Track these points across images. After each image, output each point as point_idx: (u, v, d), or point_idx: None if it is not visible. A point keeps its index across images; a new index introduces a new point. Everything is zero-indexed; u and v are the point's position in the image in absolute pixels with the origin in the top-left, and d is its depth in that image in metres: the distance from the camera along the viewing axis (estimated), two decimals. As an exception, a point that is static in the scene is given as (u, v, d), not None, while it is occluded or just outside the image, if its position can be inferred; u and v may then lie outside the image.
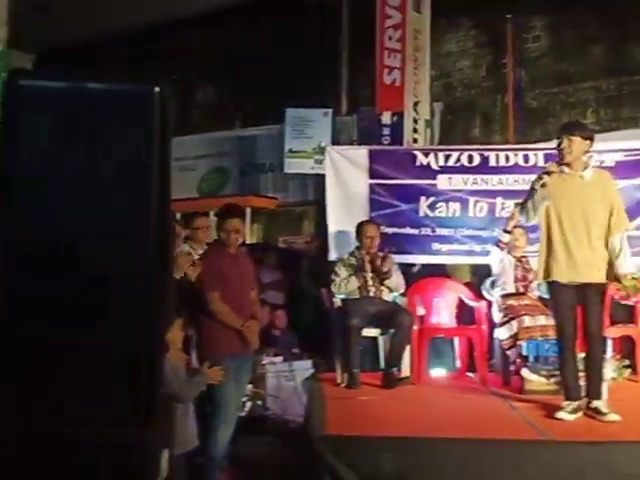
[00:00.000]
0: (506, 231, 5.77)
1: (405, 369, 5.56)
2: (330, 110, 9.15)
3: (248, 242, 8.30)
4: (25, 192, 2.54)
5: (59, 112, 2.61)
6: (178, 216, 8.87)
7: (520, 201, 4.82)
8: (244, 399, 5.55)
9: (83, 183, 2.57)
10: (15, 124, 2.58)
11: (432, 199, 6.42)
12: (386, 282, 5.67)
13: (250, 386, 5.91)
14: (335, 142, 8.57)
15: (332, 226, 6.46)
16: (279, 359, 6.58)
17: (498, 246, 5.81)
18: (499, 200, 6.37)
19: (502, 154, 6.45)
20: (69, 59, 10.68)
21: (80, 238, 2.51)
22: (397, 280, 5.78)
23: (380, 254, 5.74)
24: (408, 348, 5.57)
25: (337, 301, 5.78)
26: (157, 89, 2.66)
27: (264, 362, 6.35)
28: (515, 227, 5.72)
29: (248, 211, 9.27)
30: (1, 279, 2.30)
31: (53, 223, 2.52)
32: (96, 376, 2.46)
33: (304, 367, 6.46)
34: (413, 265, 6.70)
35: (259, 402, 6.19)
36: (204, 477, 4.50)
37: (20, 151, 2.56)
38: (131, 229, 2.56)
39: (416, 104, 7.85)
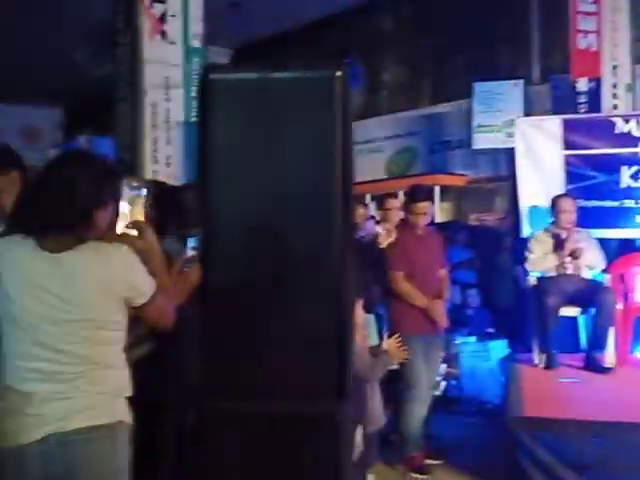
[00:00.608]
0: None
1: (609, 352, 5.25)
2: (521, 80, 8.80)
3: (438, 221, 8.23)
4: (220, 180, 2.69)
5: (248, 102, 2.73)
6: (368, 198, 9.00)
7: None
8: (438, 379, 5.53)
9: (271, 170, 2.68)
10: (209, 117, 2.73)
11: (635, 168, 6.00)
12: (582, 259, 5.38)
13: (444, 366, 5.88)
14: (528, 113, 8.25)
15: (524, 201, 6.24)
16: (473, 339, 6.49)
17: None
18: None
19: None
20: (265, 51, 11.10)
21: (270, 224, 2.63)
22: (595, 257, 5.47)
23: (576, 230, 5.46)
24: (612, 329, 5.26)
25: (532, 279, 5.58)
26: (338, 74, 2.71)
27: (458, 341, 6.29)
28: None
29: (437, 189, 9.18)
30: (202, 266, 2.47)
31: (245, 210, 2.66)
32: (292, 356, 2.57)
33: (500, 347, 6.32)
34: (618, 240, 6.29)
35: (454, 382, 6.15)
36: (397, 455, 4.56)
37: (214, 142, 2.71)
38: (317, 214, 2.63)
39: (615, 68, 7.35)
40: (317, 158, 2.67)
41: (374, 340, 3.92)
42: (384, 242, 4.70)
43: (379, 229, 5.22)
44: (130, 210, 2.40)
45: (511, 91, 8.77)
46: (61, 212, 2.11)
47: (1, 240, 2.21)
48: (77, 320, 2.12)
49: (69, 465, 2.11)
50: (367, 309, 3.83)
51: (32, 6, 7.52)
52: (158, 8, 5.77)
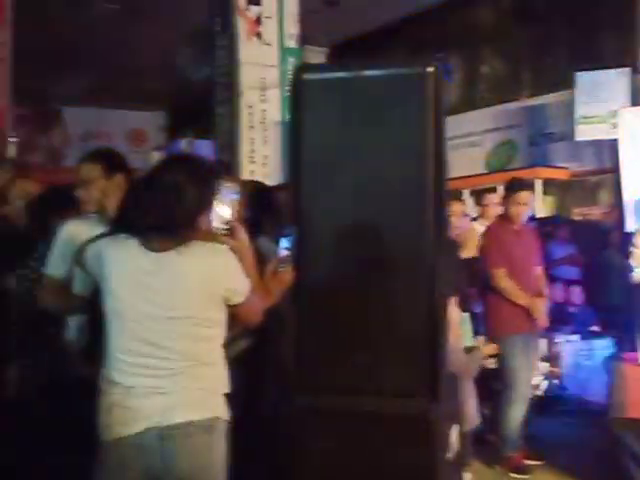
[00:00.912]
0: None
1: None
2: (626, 69, 8.45)
3: (539, 216, 8.01)
4: (312, 179, 2.72)
5: (339, 101, 2.76)
6: (467, 193, 8.86)
7: None
8: (540, 378, 5.41)
9: (363, 169, 2.70)
10: (301, 116, 2.77)
11: None
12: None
13: (546, 365, 5.74)
14: (635, 103, 7.91)
15: (629, 194, 6.00)
16: (577, 337, 6.30)
17: None
18: None
19: None
20: (361, 48, 11.10)
21: (363, 223, 2.65)
22: None
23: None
24: None
25: (638, 275, 5.36)
26: (430, 69, 2.69)
27: (560, 340, 6.12)
28: None
29: (539, 183, 8.94)
30: (295, 266, 2.51)
31: (337, 210, 2.68)
32: (385, 354, 2.58)
33: (604, 346, 6.10)
34: None
35: (556, 381, 5.99)
36: (496, 455, 4.49)
37: (306, 141, 2.75)
38: (410, 212, 2.63)
39: None
40: (409, 156, 2.66)
41: (469, 339, 3.87)
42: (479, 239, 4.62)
43: (476, 226, 5.14)
44: (224, 210, 2.46)
45: (616, 80, 8.43)
46: (167, 216, 2.19)
47: (106, 239, 2.31)
48: (178, 317, 2.19)
49: (167, 458, 2.18)
50: (462, 307, 3.78)
51: (134, 12, 7.81)
52: (254, 10, 5.87)
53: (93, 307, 2.36)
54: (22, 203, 3.76)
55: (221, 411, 2.28)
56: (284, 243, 2.53)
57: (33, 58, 7.59)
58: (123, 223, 2.30)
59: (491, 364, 4.03)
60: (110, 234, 2.33)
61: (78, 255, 2.49)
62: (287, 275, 2.52)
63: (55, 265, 2.80)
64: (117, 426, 2.19)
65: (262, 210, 3.32)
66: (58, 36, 7.99)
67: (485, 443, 4.49)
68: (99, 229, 2.58)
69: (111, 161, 2.89)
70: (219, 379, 2.30)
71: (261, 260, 2.57)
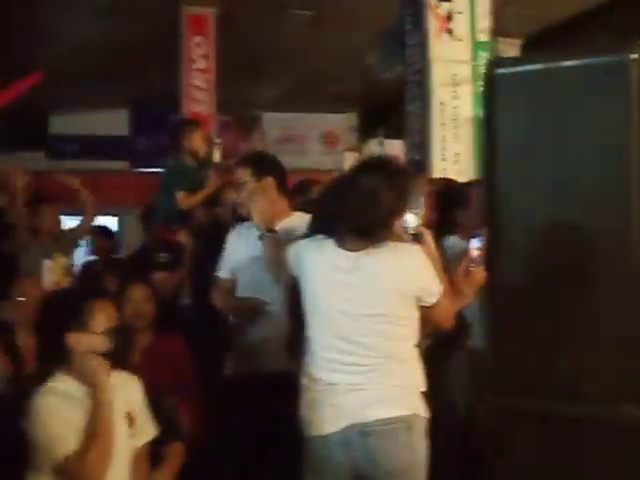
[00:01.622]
0: None
1: None
2: None
3: None
4: (508, 177, 2.66)
5: (534, 95, 2.67)
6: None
7: None
8: None
9: (561, 165, 2.60)
10: (495, 112, 2.71)
11: None
12: None
13: None
14: None
15: None
16: None
17: None
18: None
19: None
20: (557, 37, 10.63)
21: (562, 222, 2.54)
22: None
23: None
24: None
25: None
26: (634, 57, 2.53)
27: None
28: None
29: None
30: (489, 266, 2.46)
31: (534, 209, 2.60)
32: (590, 357, 2.47)
33: None
34: None
35: None
36: None
37: (501, 138, 2.69)
38: (613, 210, 2.49)
39: None
40: (612, 152, 2.51)
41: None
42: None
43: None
44: (412, 215, 2.46)
45: None
46: (364, 221, 2.25)
47: (306, 240, 2.42)
48: (372, 315, 2.24)
49: (370, 454, 2.23)
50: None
51: (326, 17, 8.01)
52: (445, 7, 5.82)
53: (294, 305, 2.46)
54: (230, 206, 4.05)
55: (419, 408, 2.30)
56: (475, 243, 2.49)
57: (234, 68, 8.02)
58: (321, 225, 2.39)
59: None
60: (307, 236, 2.43)
61: (275, 257, 2.63)
62: (479, 275, 2.48)
63: (223, 268, 2.99)
64: (322, 423, 2.27)
65: (453, 208, 3.27)
66: (256, 46, 8.37)
67: None
68: (252, 233, 2.77)
69: (261, 165, 3.00)
70: (415, 377, 2.33)
71: (449, 263, 2.54)
